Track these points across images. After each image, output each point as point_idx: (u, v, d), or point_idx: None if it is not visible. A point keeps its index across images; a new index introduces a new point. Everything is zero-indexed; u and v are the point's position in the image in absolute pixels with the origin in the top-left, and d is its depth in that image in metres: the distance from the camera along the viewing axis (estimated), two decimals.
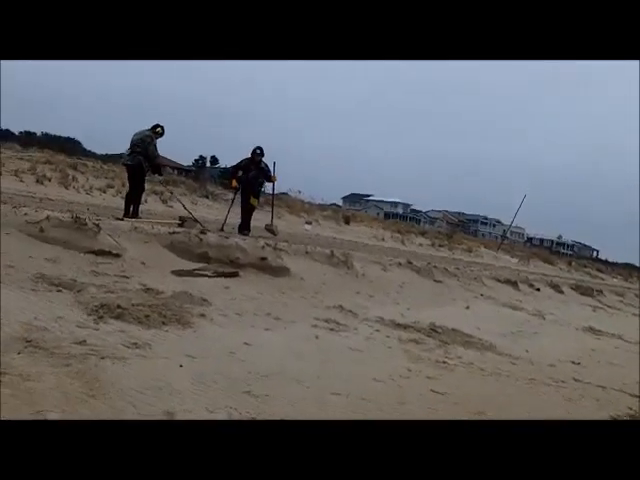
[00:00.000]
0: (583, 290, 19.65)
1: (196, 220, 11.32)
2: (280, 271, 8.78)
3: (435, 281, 12.72)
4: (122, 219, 8.98)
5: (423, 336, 7.27)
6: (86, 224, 7.28)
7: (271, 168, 12.83)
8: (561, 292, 18.05)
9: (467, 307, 10.73)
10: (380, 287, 10.32)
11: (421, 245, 29.99)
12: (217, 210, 20.89)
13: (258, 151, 12.56)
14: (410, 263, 12.84)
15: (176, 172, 41.76)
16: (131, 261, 7.28)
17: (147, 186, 21.76)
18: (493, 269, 19.62)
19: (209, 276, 7.57)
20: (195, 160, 59.18)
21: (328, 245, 16.00)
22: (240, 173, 12.61)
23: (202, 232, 8.52)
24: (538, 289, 16.85)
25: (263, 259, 8.64)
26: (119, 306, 5.24)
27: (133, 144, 10.48)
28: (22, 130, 49.30)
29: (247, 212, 12.71)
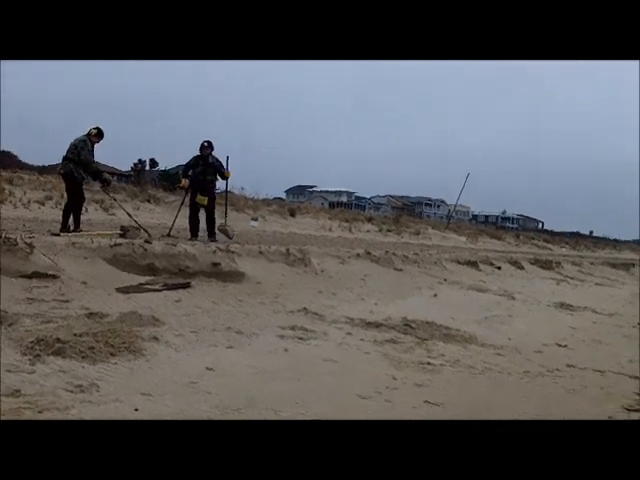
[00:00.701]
0: (542, 264, 19.69)
1: (141, 228, 10.41)
2: (235, 276, 8.11)
3: (396, 269, 12.26)
4: (59, 234, 8.14)
5: (399, 334, 6.75)
6: (16, 244, 6.45)
7: (224, 163, 11.70)
8: (522, 268, 17.97)
9: (435, 295, 10.30)
10: (342, 282, 9.76)
11: (369, 231, 29.50)
12: (160, 214, 19.94)
13: (206, 144, 11.37)
14: (369, 254, 12.34)
15: (115, 178, 40.81)
16: (70, 282, 6.49)
17: (87, 195, 21.25)
18: (448, 250, 19.33)
19: (158, 290, 6.86)
20: (134, 164, 57.14)
21: (277, 241, 15.50)
22: (191, 172, 11.51)
23: (147, 241, 7.76)
24: (499, 267, 16.70)
25: (215, 265, 7.97)
26: (58, 339, 4.51)
27: (67, 151, 9.57)
28: None
29: (196, 215, 11.55)
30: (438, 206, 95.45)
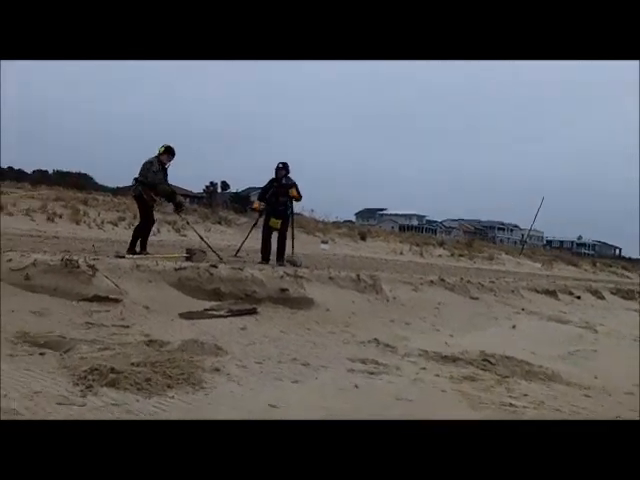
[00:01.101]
0: (624, 294, 18.66)
1: (212, 250, 10.24)
2: (303, 303, 7.77)
3: (472, 298, 11.68)
4: (123, 256, 8.02)
5: (477, 370, 6.20)
6: (79, 266, 6.31)
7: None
8: (602, 298, 17.03)
9: (513, 326, 9.65)
10: (414, 311, 9.28)
11: (440, 256, 29.32)
12: (231, 236, 20.07)
13: (280, 165, 11.16)
14: (442, 280, 11.78)
15: (187, 200, 41.46)
16: (132, 306, 6.30)
17: (159, 216, 21.48)
18: (524, 278, 18.51)
19: (223, 316, 6.57)
20: (206, 186, 58.16)
21: (347, 265, 15.23)
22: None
23: (213, 266, 7.51)
24: (579, 297, 15.84)
25: (283, 290, 7.66)
26: (113, 369, 4.23)
27: (139, 173, 9.51)
28: (35, 169, 48.73)
29: (268, 238, 11.28)
30: (511, 230, 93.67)
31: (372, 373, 5.52)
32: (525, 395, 5.52)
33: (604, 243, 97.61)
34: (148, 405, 3.89)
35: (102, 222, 18.98)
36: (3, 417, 3.21)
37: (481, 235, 74.69)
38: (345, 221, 44.56)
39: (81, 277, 6.23)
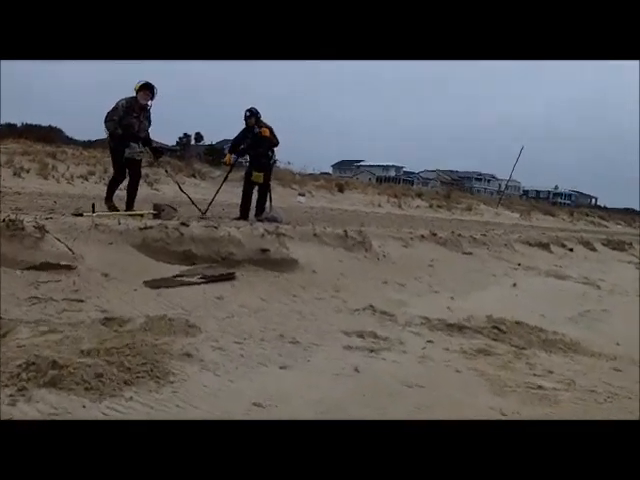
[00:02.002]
0: (614, 245, 18.20)
1: (193, 202, 9.23)
2: (286, 264, 6.89)
3: (465, 253, 10.91)
4: (81, 214, 7.02)
5: (489, 341, 5.41)
6: (23, 228, 5.33)
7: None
8: (594, 250, 16.53)
9: (514, 285, 8.86)
10: (408, 270, 8.45)
11: (419, 207, 28.85)
12: (205, 189, 18.99)
13: (248, 114, 9.91)
14: (434, 235, 10.96)
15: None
16: (88, 274, 5.34)
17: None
18: (510, 229, 17.89)
19: (195, 283, 5.67)
20: (179, 138, 56.25)
21: (327, 219, 14.56)
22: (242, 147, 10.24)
23: (183, 224, 6.52)
24: (571, 249, 15.23)
25: (264, 251, 6.75)
26: (55, 363, 3.32)
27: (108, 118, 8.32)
28: (1, 122, 46.58)
29: (250, 193, 10.27)
30: (488, 181, 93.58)
31: (372, 350, 4.68)
32: (550, 372, 4.75)
33: (580, 193, 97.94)
34: (97, 411, 3.02)
35: (71, 177, 17.74)
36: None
37: (458, 186, 74.09)
38: (322, 173, 43.90)
39: (26, 241, 5.25)
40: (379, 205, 26.84)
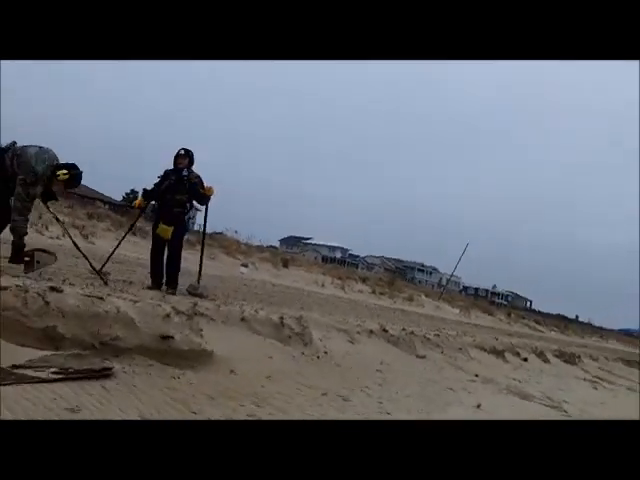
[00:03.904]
0: (567, 358, 16.92)
1: (89, 262, 6.90)
2: (196, 359, 5.08)
3: (418, 357, 9.26)
4: None
5: None
6: None
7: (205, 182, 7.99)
8: (547, 361, 15.22)
9: (478, 406, 7.18)
10: (353, 376, 6.70)
11: (361, 292, 27.76)
12: (144, 248, 17.23)
13: (182, 152, 7.87)
14: (385, 331, 9.31)
15: (107, 207, 38.79)
16: None
17: (67, 219, 18.69)
18: (456, 327, 16.57)
19: (45, 381, 3.79)
20: (126, 194, 53.88)
21: (267, 294, 13.09)
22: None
23: (54, 288, 4.63)
24: (525, 359, 13.84)
25: (166, 338, 4.93)
26: None
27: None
28: None
29: (159, 252, 7.91)
30: (430, 273, 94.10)
31: None
32: None
33: (516, 294, 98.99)
34: None
35: None
36: None
37: (401, 274, 73.67)
38: (269, 246, 42.66)
39: None
40: (322, 285, 25.86)
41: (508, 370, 11.78)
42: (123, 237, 8.61)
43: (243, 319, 6.55)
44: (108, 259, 8.00)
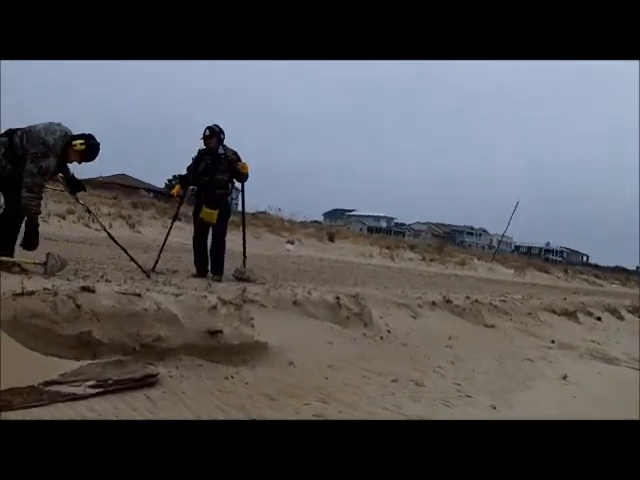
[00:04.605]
0: None
1: (131, 258, 6.52)
2: (249, 353, 4.54)
3: (487, 326, 8.60)
4: None
5: None
6: None
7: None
8: (622, 318, 14.38)
9: (564, 377, 6.49)
10: (423, 356, 6.09)
11: (411, 260, 27.69)
12: (188, 232, 17.09)
13: (207, 132, 7.28)
14: (448, 302, 8.66)
15: (152, 194, 39.21)
16: None
17: (113, 210, 18.66)
18: (522, 290, 15.79)
19: (81, 397, 3.29)
20: (168, 180, 53.99)
21: (316, 270, 12.86)
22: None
23: (86, 288, 4.12)
24: (599, 318, 13.02)
25: (214, 333, 4.39)
26: None
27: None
28: None
29: (202, 238, 7.53)
30: (480, 235, 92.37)
31: None
32: None
33: (572, 250, 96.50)
34: None
35: None
36: None
37: (450, 239, 72.52)
38: (313, 221, 42.41)
39: None
40: (370, 256, 25.60)
41: (583, 332, 11.04)
42: (168, 232, 8.02)
43: (296, 302, 6.00)
44: (158, 259, 7.61)
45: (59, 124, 5.71)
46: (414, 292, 9.37)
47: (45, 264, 5.47)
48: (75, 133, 5.76)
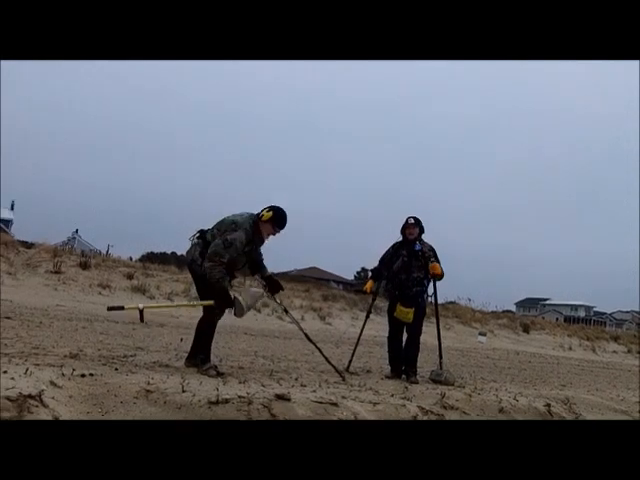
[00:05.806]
0: None
1: (326, 359, 6.38)
2: None
3: None
4: (122, 307, 4.79)
5: None
6: None
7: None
8: None
9: None
10: None
11: (615, 352, 26.37)
12: (379, 325, 17.17)
13: (412, 221, 7.17)
14: None
15: (341, 286, 40.33)
16: None
17: (304, 302, 19.34)
18: None
19: None
20: (357, 272, 55.52)
21: (514, 367, 12.23)
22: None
23: (280, 397, 3.88)
24: None
25: None
26: None
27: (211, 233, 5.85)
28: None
29: (397, 336, 7.22)
30: None
31: None
32: None
33: None
34: None
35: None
36: None
37: None
38: (504, 311, 40.76)
39: None
40: (570, 348, 24.99)
41: None
42: (362, 329, 7.89)
43: (502, 410, 5.42)
44: (352, 359, 7.53)
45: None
46: (629, 394, 8.30)
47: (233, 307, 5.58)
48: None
